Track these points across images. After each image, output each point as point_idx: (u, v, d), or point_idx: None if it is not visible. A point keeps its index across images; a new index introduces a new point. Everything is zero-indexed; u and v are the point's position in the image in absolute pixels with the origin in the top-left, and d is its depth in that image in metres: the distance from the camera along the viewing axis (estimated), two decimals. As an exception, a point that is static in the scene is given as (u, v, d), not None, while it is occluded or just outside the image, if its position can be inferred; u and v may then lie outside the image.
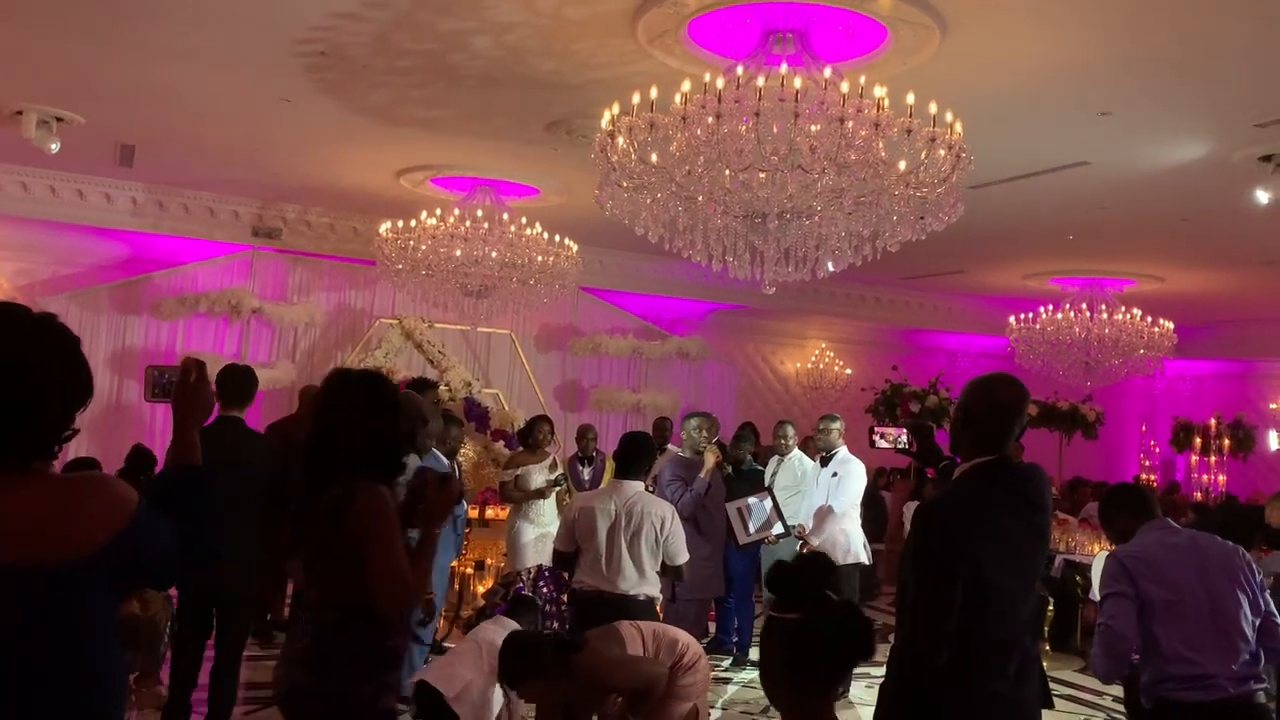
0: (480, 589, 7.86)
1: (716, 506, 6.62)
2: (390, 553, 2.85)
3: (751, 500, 7.14)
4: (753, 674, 7.16)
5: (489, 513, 8.24)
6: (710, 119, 4.54)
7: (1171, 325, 10.72)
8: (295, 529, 3.08)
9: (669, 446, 8.52)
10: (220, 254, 10.64)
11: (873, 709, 3.36)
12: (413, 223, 8.39)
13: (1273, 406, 14.84)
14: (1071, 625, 8.65)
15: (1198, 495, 13.20)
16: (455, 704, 4.46)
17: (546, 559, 7.20)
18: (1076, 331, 10.55)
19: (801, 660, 2.14)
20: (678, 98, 4.68)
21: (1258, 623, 3.66)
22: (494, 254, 8.26)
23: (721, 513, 6.76)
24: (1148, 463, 16.19)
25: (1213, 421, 14.04)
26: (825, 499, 7.13)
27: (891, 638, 3.21)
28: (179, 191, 9.90)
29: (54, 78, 6.72)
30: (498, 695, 4.66)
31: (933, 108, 4.67)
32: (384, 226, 8.63)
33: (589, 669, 4.25)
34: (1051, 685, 3.73)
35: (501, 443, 9.89)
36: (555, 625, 7.67)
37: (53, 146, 7.43)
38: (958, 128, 4.77)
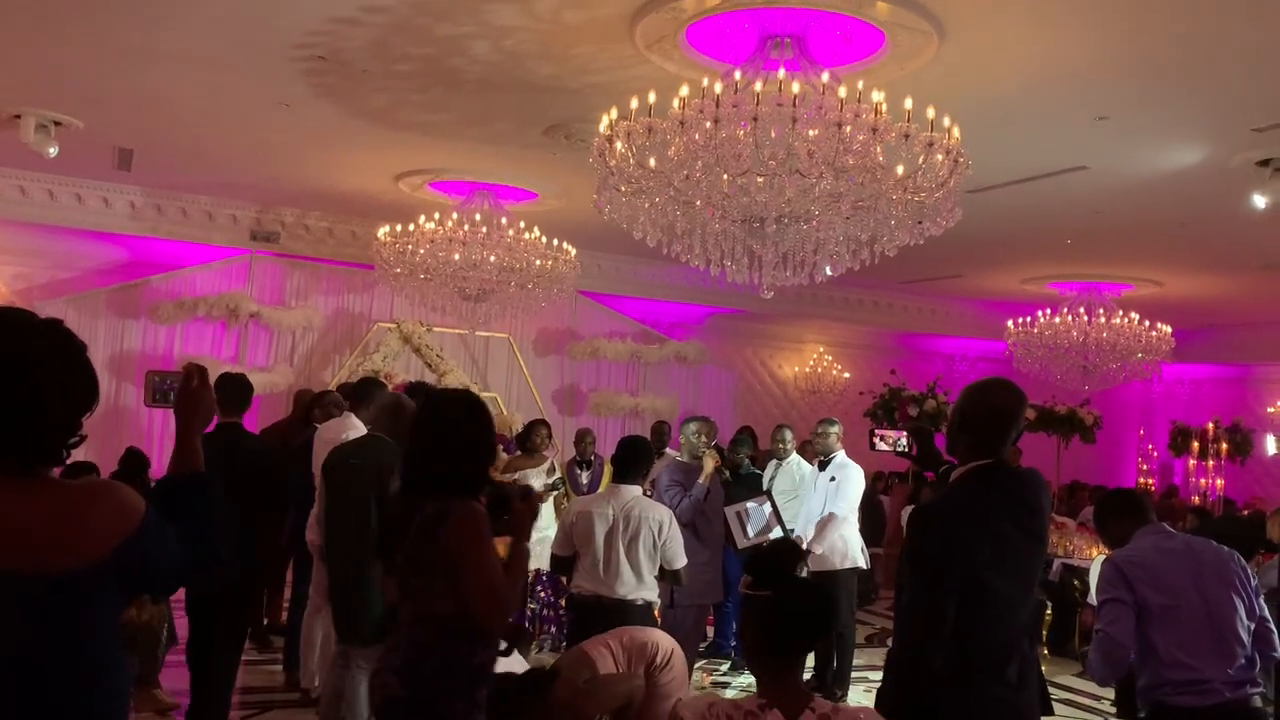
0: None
1: (715, 512, 6.61)
2: (486, 567, 2.95)
3: (750, 505, 7.13)
4: (750, 679, 7.16)
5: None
6: (708, 124, 4.54)
7: (1169, 329, 10.73)
8: (388, 546, 3.15)
9: (667, 450, 8.51)
10: (218, 258, 10.64)
11: (870, 714, 3.36)
12: (411, 227, 8.39)
13: (1270, 410, 14.85)
14: (1070, 629, 8.64)
15: (1195, 499, 13.18)
16: None
17: (544, 563, 7.19)
18: (1074, 335, 10.56)
19: (771, 633, 2.48)
20: (676, 102, 4.69)
21: (1253, 627, 3.67)
22: (492, 258, 8.26)
23: (720, 518, 6.75)
24: (1145, 466, 16.20)
25: (1210, 426, 14.03)
26: (823, 503, 7.13)
27: (890, 642, 3.21)
28: (177, 195, 9.90)
29: (52, 81, 6.73)
30: None
31: (930, 112, 4.67)
32: (382, 230, 8.63)
33: (565, 702, 4.25)
34: (1050, 690, 3.73)
35: (500, 447, 9.89)
36: (553, 630, 7.69)
37: (51, 150, 7.43)
38: (955, 132, 4.77)
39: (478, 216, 8.38)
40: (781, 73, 4.59)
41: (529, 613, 7.61)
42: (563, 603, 7.44)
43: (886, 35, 5.21)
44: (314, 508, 5.76)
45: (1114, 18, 5.02)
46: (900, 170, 4.70)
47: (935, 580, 2.96)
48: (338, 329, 11.29)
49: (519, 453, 8.12)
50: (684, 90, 4.73)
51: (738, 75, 4.85)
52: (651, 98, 4.79)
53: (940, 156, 4.70)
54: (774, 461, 8.01)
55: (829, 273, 5.41)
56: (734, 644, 7.76)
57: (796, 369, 14.58)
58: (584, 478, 8.70)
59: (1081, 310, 10.76)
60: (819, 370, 14.43)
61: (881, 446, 5.03)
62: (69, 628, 1.88)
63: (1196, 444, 13.86)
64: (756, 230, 5.06)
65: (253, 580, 6.42)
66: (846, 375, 14.41)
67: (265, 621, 7.56)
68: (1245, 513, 10.43)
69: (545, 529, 7.40)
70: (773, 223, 4.97)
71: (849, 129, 4.48)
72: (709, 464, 6.52)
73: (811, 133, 4.51)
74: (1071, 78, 5.81)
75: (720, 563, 6.88)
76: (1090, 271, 10.96)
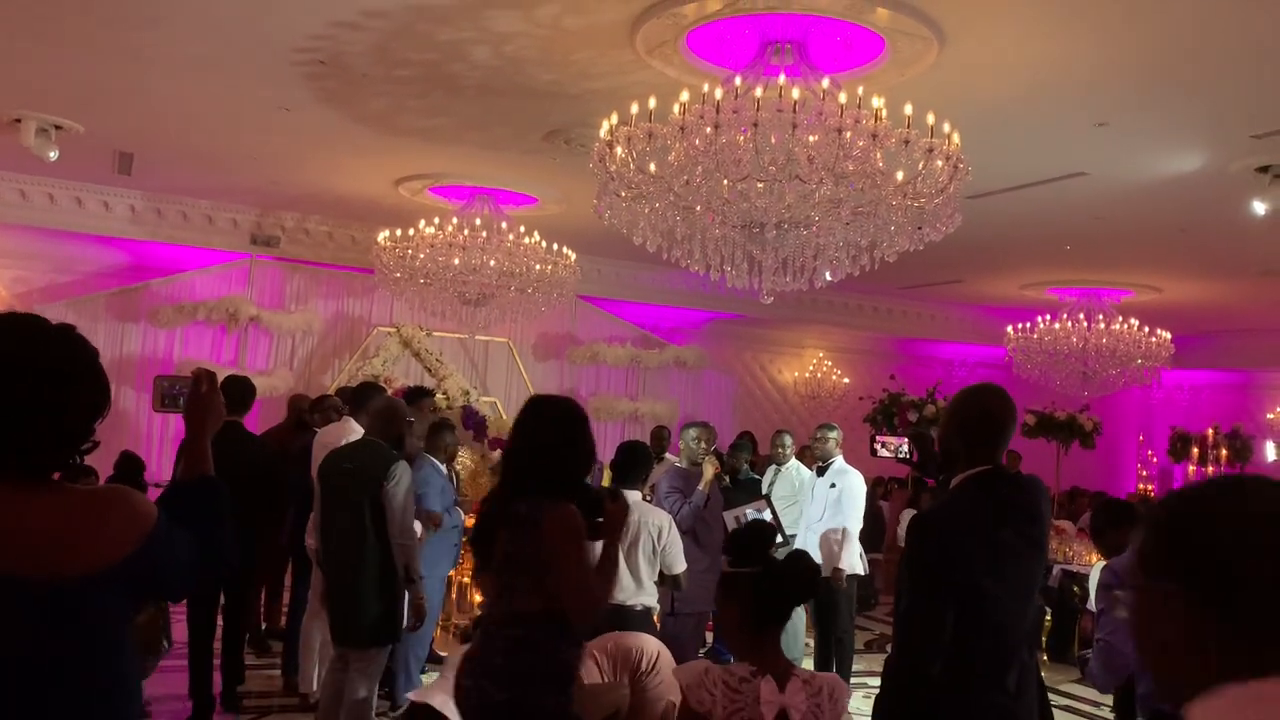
0: (477, 598, 7.84)
1: (715, 519, 6.61)
2: (580, 566, 3.05)
3: (750, 510, 7.12)
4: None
5: (486, 521, 8.22)
6: (708, 129, 4.55)
7: (1169, 335, 10.74)
8: (483, 545, 3.22)
9: (667, 455, 8.51)
10: (218, 262, 10.64)
11: (869, 720, 3.36)
12: (411, 231, 8.39)
13: (1270, 416, 14.84)
14: (1069, 636, 8.63)
15: (1195, 505, 13.17)
16: None
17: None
18: (1074, 341, 10.56)
19: (764, 602, 2.65)
20: (676, 108, 4.69)
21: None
22: (492, 262, 8.26)
23: (720, 525, 6.74)
24: (1145, 473, 16.18)
25: (1210, 432, 14.03)
26: (823, 509, 7.12)
27: (889, 648, 3.20)
28: (177, 199, 9.91)
29: (52, 85, 6.73)
30: None
31: (930, 118, 4.67)
32: (382, 235, 8.63)
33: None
34: (1049, 696, 3.73)
35: (499, 451, 9.88)
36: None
37: (51, 154, 7.44)
38: (955, 138, 4.78)
39: (478, 221, 8.39)
40: (782, 78, 4.59)
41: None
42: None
43: (886, 41, 5.22)
44: (313, 512, 5.76)
45: (1113, 24, 5.03)
46: (900, 176, 4.70)
47: (933, 587, 2.96)
48: (337, 333, 11.29)
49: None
50: (684, 96, 4.73)
51: (738, 81, 4.85)
52: (652, 103, 4.79)
53: (940, 162, 4.70)
54: (773, 467, 8.01)
55: (829, 278, 5.41)
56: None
57: (796, 374, 14.58)
58: (583, 482, 8.68)
59: (1081, 316, 10.77)
60: (819, 375, 14.43)
61: (883, 453, 5.03)
62: (81, 634, 1.87)
63: (1196, 450, 13.86)
64: (756, 235, 5.07)
65: (250, 579, 6.53)
66: (846, 380, 14.41)
67: (264, 626, 7.56)
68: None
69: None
70: (773, 228, 4.98)
71: (849, 135, 4.49)
72: (709, 470, 6.52)
73: (811, 138, 4.51)
74: (1071, 84, 5.81)
75: (720, 569, 6.88)
76: (1090, 277, 10.96)
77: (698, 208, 5.05)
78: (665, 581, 5.20)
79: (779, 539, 6.80)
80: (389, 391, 7.72)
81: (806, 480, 7.63)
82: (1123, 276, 10.88)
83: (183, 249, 10.32)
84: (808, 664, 7.39)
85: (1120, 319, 10.66)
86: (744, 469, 7.96)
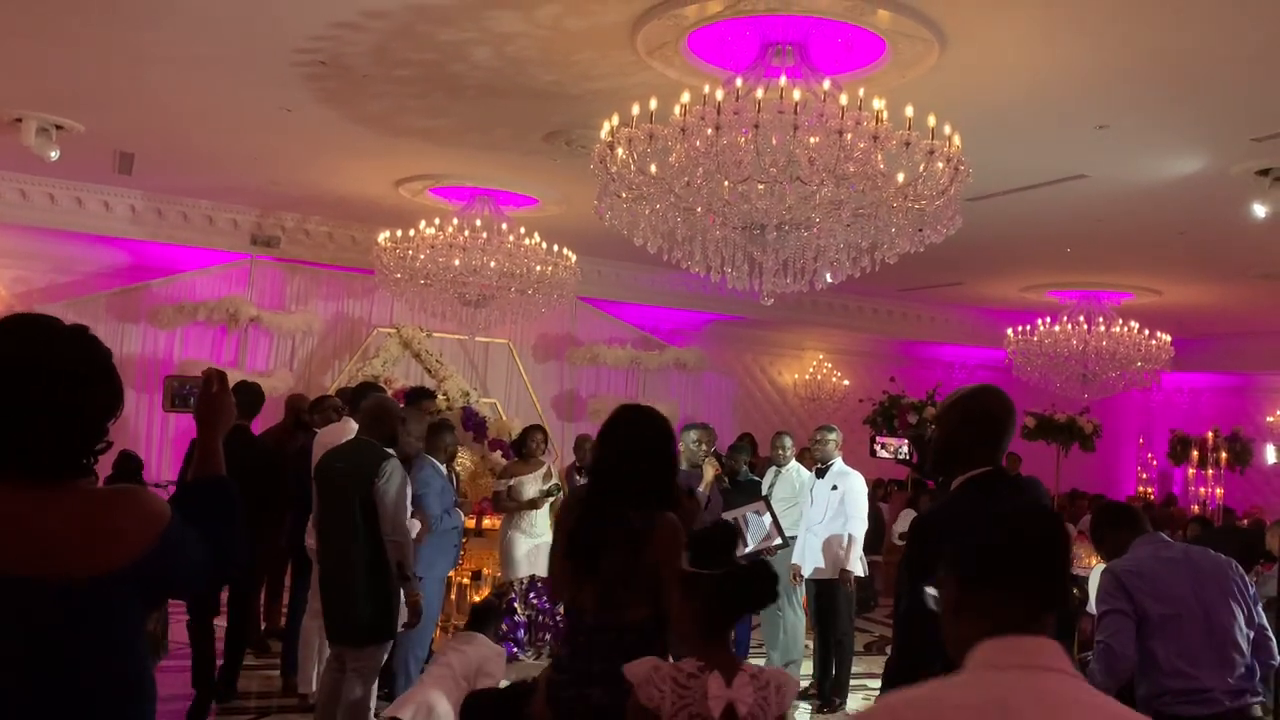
0: (477, 599, 7.84)
1: (714, 521, 6.61)
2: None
3: (750, 514, 7.12)
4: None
5: (485, 523, 8.23)
6: (709, 130, 4.55)
7: (1169, 338, 10.74)
8: (589, 555, 3.22)
9: (666, 457, 8.50)
10: (218, 262, 10.64)
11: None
12: (411, 232, 8.39)
13: (1270, 419, 14.84)
14: (1069, 638, 8.61)
15: (1195, 508, 13.18)
16: None
17: (539, 569, 7.18)
18: (1074, 344, 10.56)
19: (724, 604, 2.70)
20: (677, 109, 4.69)
21: (1252, 636, 3.66)
22: (492, 263, 8.26)
23: (719, 525, 6.74)
24: (1145, 475, 16.18)
25: (1210, 434, 14.03)
26: (823, 510, 7.12)
27: (888, 650, 3.20)
28: (178, 199, 9.90)
29: (53, 85, 6.73)
30: None
31: (931, 120, 4.68)
32: (382, 236, 8.63)
33: (540, 713, 4.26)
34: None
35: (499, 452, 9.88)
36: (548, 637, 7.67)
37: (52, 154, 7.44)
38: (956, 140, 4.78)
39: (478, 222, 8.39)
40: (783, 80, 4.60)
41: (525, 620, 7.59)
42: (559, 610, 7.42)
43: (888, 43, 5.22)
44: (313, 512, 5.77)
45: (1114, 27, 5.03)
46: (901, 178, 4.70)
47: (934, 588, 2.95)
48: (337, 334, 11.29)
49: (515, 459, 8.10)
50: (685, 97, 4.74)
51: (739, 82, 4.85)
52: (653, 104, 4.79)
53: (941, 164, 4.70)
54: (773, 468, 8.00)
55: (829, 280, 5.41)
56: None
57: (796, 376, 14.58)
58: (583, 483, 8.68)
59: (1081, 319, 10.76)
60: (819, 377, 14.42)
61: (882, 455, 5.04)
62: (96, 634, 1.87)
63: (1196, 453, 13.86)
64: (757, 237, 5.06)
65: (252, 579, 6.58)
66: (846, 382, 14.41)
67: (264, 626, 7.56)
68: (1244, 522, 10.42)
69: (541, 535, 7.39)
70: (773, 229, 4.98)
71: (850, 136, 4.49)
72: (709, 472, 6.52)
73: (812, 140, 4.51)
74: (1072, 86, 5.81)
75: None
76: (1090, 280, 10.97)
77: (698, 209, 5.05)
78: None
79: (778, 541, 6.83)
80: (389, 392, 7.72)
81: (806, 482, 7.62)
82: (1123, 279, 10.88)
83: (183, 249, 10.32)
84: (807, 666, 7.38)
85: (1120, 322, 10.67)
86: (744, 471, 7.95)
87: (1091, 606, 4.62)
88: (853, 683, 7.09)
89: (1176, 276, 10.66)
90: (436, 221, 8.36)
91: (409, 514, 5.19)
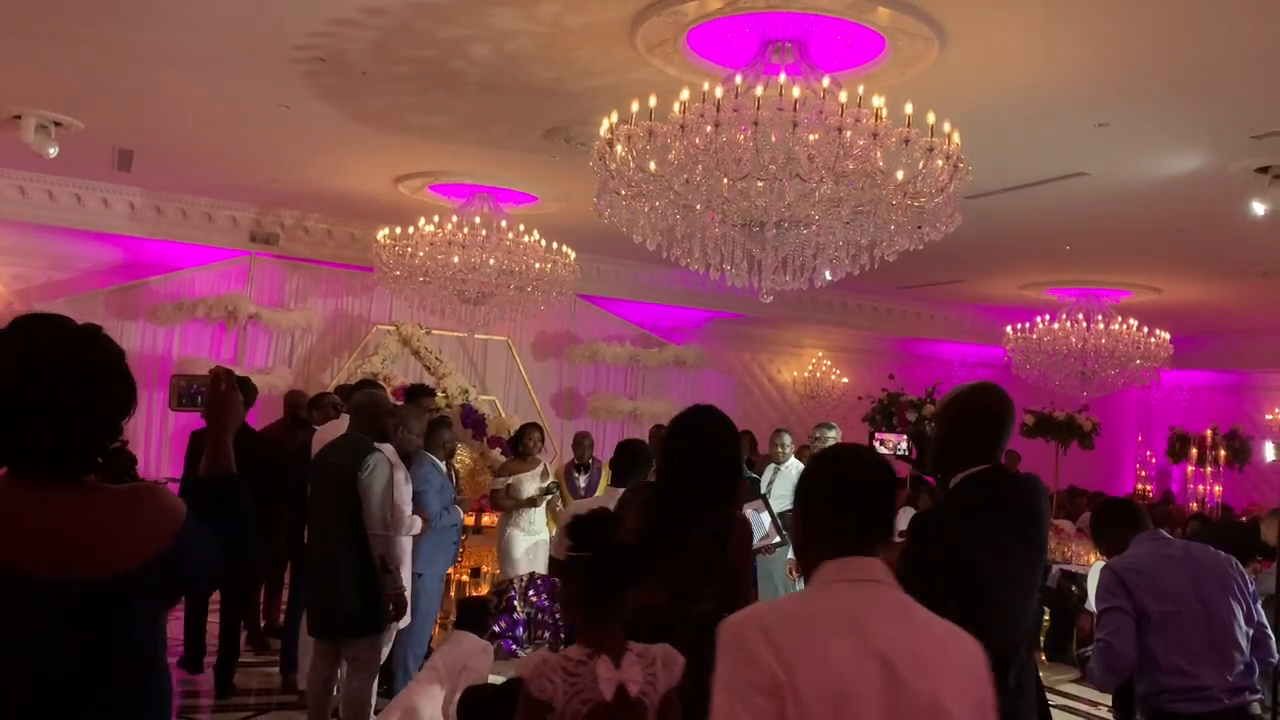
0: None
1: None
2: (750, 573, 3.37)
3: (748, 510, 7.12)
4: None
5: (484, 520, 8.23)
6: (709, 127, 4.55)
7: (1168, 336, 10.74)
8: (656, 553, 3.28)
9: (666, 454, 8.50)
10: (217, 259, 10.64)
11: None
12: (410, 229, 8.39)
13: (1268, 418, 14.85)
14: (1068, 636, 8.63)
15: (1194, 506, 13.19)
16: None
17: (538, 567, 7.18)
18: (1073, 342, 10.56)
19: (594, 586, 2.73)
20: (676, 106, 4.69)
21: (1251, 633, 3.66)
22: (492, 261, 8.25)
23: (718, 523, 6.75)
24: (1144, 473, 16.19)
25: (1209, 432, 14.05)
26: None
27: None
28: (177, 197, 9.90)
29: (52, 82, 6.72)
30: None
31: (931, 118, 4.67)
32: (382, 233, 8.63)
33: None
34: (1048, 696, 3.72)
35: (498, 450, 9.87)
36: (548, 635, 7.67)
37: (51, 151, 7.43)
38: (955, 138, 4.78)
39: (477, 219, 8.38)
40: (782, 77, 4.59)
41: (524, 618, 7.59)
42: (556, 606, 7.42)
43: (887, 41, 5.21)
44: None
45: (1114, 25, 5.03)
46: (900, 175, 4.70)
47: (932, 585, 2.95)
48: (337, 331, 11.28)
49: (512, 456, 8.10)
50: (685, 94, 4.73)
51: (738, 79, 4.85)
52: (652, 101, 4.79)
53: (940, 162, 4.70)
54: (772, 466, 8.01)
55: (828, 277, 5.41)
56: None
57: (795, 373, 14.58)
58: (582, 481, 8.68)
59: (1080, 316, 10.76)
60: (818, 375, 14.42)
61: (882, 450, 5.04)
62: (113, 632, 1.87)
63: (1195, 450, 13.88)
64: (756, 234, 5.06)
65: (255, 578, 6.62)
66: (845, 380, 14.41)
67: (263, 623, 7.55)
68: (1243, 520, 10.42)
69: (539, 532, 7.40)
70: (772, 227, 4.97)
71: (849, 134, 4.48)
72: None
73: (812, 137, 4.51)
74: (1072, 84, 5.81)
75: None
76: (1089, 278, 10.96)
77: (698, 206, 5.05)
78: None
79: (777, 539, 6.83)
80: (389, 390, 7.72)
81: (805, 479, 7.62)
82: (1122, 277, 10.88)
83: (182, 246, 10.31)
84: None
85: (1119, 319, 10.66)
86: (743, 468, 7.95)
87: (1091, 604, 4.62)
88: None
89: (1176, 274, 10.66)
90: (436, 219, 8.35)
91: (408, 508, 5.20)
